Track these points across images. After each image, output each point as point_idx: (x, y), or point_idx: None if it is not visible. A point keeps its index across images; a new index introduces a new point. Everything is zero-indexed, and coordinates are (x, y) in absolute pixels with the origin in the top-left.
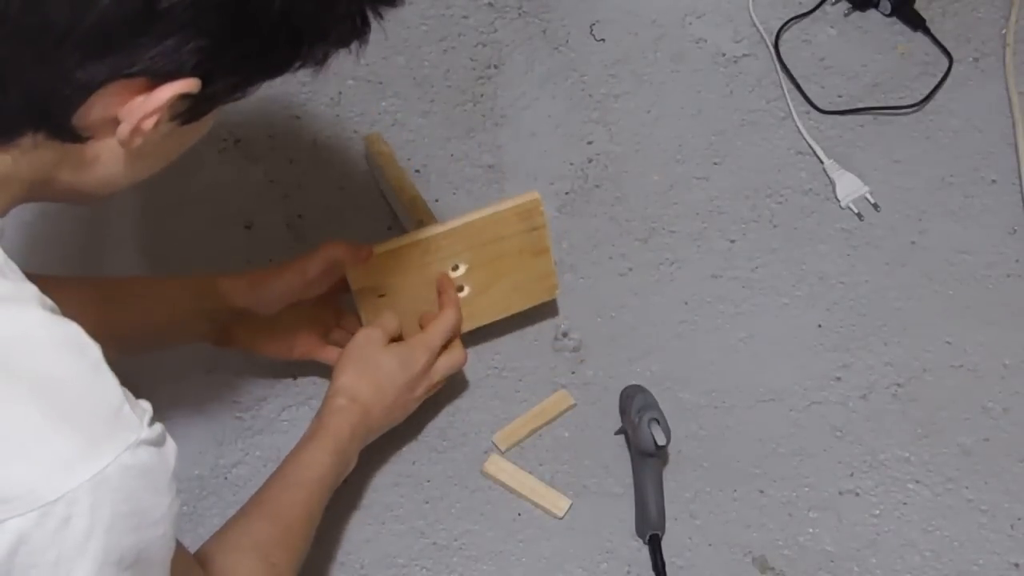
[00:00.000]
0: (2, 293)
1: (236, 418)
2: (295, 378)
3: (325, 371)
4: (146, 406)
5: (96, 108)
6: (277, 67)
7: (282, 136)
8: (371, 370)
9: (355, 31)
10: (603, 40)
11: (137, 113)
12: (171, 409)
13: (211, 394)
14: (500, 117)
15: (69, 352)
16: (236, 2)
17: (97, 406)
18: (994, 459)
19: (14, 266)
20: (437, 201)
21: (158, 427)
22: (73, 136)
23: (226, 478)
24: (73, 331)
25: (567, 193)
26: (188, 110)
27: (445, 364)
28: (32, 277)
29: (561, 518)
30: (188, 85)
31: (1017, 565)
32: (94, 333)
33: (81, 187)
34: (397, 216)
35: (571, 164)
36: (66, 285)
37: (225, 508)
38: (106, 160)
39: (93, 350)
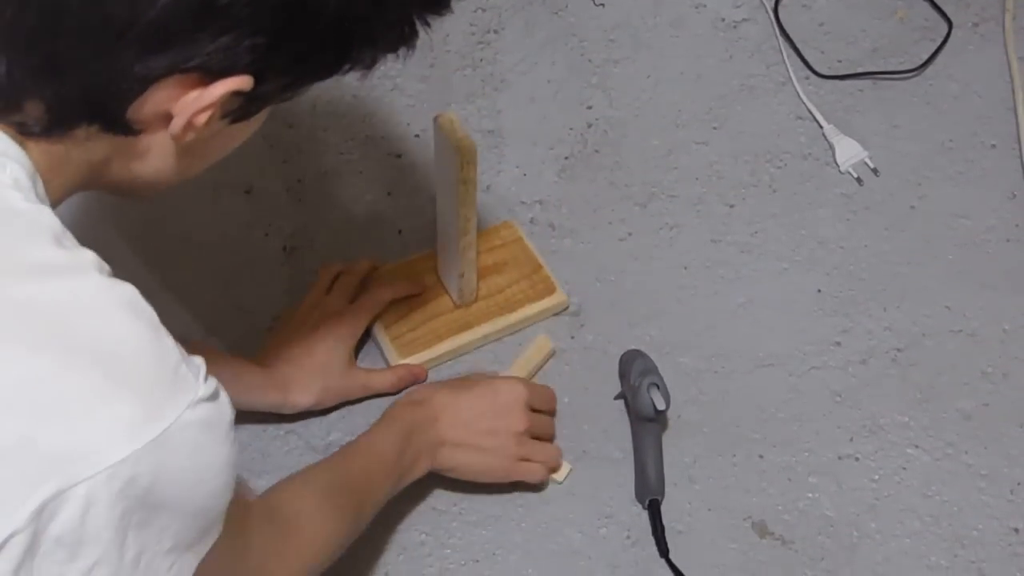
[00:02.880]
0: (60, 263)
1: None
2: None
3: None
4: (199, 362)
5: (150, 102)
6: (327, 69)
7: None
8: (454, 386)
9: (402, 38)
10: (603, 5)
11: (191, 108)
12: None
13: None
14: (500, 82)
15: (128, 314)
16: (295, 1)
17: (156, 367)
18: (994, 424)
19: (70, 235)
20: None
21: (212, 382)
22: (126, 129)
23: None
24: (130, 292)
25: (566, 158)
26: (239, 108)
27: (542, 449)
28: None
29: (561, 483)
30: (242, 82)
31: (1016, 530)
32: None
33: (131, 180)
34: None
35: (571, 129)
36: None
37: None
38: (157, 154)
39: (150, 311)
